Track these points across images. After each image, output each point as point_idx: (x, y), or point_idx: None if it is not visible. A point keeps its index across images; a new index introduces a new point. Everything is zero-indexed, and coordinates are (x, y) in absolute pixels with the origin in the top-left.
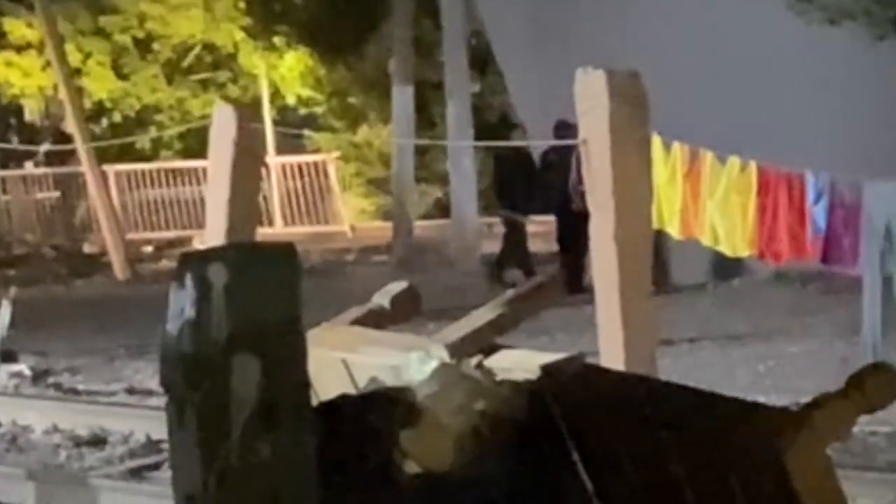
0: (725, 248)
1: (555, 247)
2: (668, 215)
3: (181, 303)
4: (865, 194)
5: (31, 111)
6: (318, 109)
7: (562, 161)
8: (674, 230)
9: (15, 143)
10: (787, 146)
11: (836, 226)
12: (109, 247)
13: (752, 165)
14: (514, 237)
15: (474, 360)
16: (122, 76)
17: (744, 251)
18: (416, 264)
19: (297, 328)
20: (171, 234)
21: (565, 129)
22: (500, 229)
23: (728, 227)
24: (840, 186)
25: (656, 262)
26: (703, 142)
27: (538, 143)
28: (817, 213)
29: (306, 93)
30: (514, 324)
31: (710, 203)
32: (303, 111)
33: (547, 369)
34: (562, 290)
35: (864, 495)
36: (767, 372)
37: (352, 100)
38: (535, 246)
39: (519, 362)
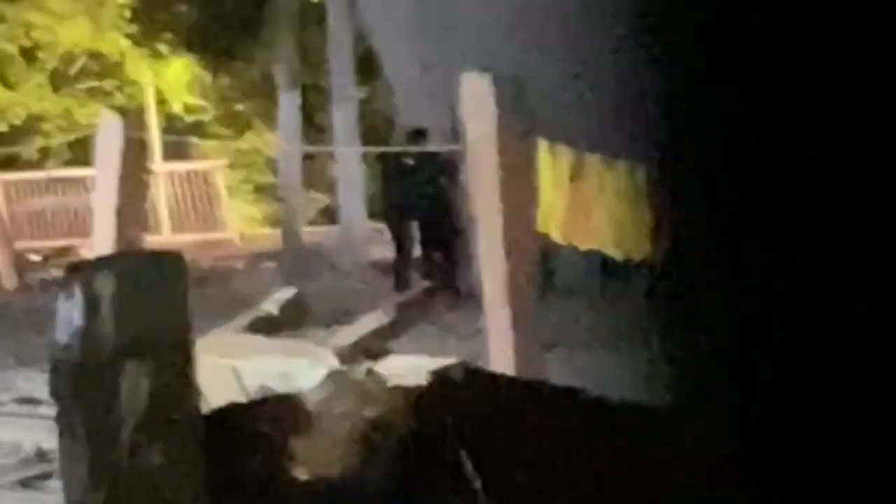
0: (614, 253)
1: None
2: (553, 219)
3: (69, 312)
4: None
5: None
6: (205, 117)
7: (419, 167)
8: (558, 234)
9: None
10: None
11: None
12: None
13: (642, 169)
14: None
15: (363, 366)
16: (7, 85)
17: (634, 254)
18: (305, 271)
19: (186, 336)
20: (59, 243)
21: (419, 136)
22: (389, 235)
23: (616, 230)
24: None
25: (544, 266)
26: (589, 145)
27: (429, 149)
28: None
29: (193, 100)
30: (404, 330)
31: (598, 206)
32: (190, 119)
33: (436, 375)
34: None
35: None
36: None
37: (238, 107)
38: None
39: (408, 368)
